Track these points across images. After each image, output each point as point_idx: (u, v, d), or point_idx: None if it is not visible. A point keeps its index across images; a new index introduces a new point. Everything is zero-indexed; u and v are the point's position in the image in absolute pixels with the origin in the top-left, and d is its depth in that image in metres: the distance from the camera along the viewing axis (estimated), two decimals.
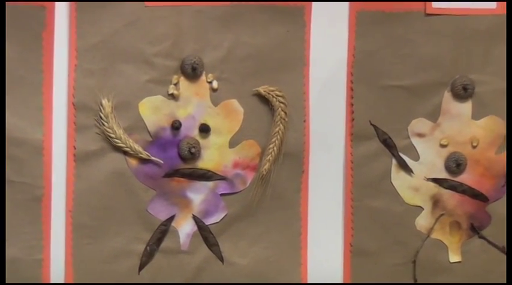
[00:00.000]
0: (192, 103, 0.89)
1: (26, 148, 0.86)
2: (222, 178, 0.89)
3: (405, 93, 0.90)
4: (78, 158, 0.87)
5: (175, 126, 0.88)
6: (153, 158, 0.88)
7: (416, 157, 0.91)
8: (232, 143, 0.90)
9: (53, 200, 0.87)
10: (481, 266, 0.92)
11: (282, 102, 0.89)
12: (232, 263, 0.90)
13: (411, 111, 0.90)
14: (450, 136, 0.91)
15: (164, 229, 0.89)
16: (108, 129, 0.87)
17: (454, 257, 0.92)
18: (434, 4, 0.89)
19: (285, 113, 0.89)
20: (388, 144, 0.90)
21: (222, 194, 0.90)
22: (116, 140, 0.87)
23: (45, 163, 0.87)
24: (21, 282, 0.87)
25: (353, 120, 0.90)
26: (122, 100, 0.87)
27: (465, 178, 0.91)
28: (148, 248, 0.88)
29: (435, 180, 0.91)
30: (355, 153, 0.90)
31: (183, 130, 0.89)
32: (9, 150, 0.85)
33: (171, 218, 0.89)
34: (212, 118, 0.89)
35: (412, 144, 0.91)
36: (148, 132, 0.88)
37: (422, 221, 0.91)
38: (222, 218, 0.90)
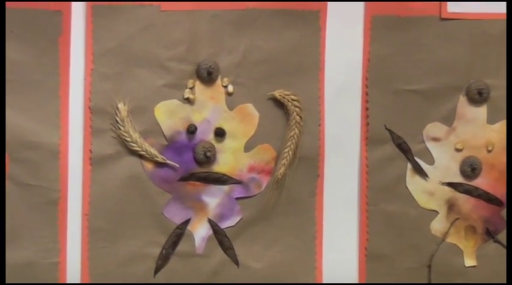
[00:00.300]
0: (208, 107, 0.89)
1: (42, 151, 0.86)
2: (237, 182, 0.90)
3: (420, 97, 0.90)
4: (94, 162, 0.88)
5: (191, 130, 0.88)
6: (168, 162, 0.88)
7: (431, 161, 0.91)
8: (248, 147, 0.90)
9: (69, 204, 0.88)
10: (496, 270, 0.91)
11: (297, 106, 0.89)
12: (248, 266, 0.90)
13: (426, 115, 0.90)
14: (465, 140, 0.91)
15: (179, 232, 0.89)
16: (124, 133, 0.87)
17: (469, 261, 0.92)
18: (450, 8, 0.89)
19: (300, 117, 0.89)
20: (403, 148, 0.90)
21: (237, 198, 0.90)
22: (131, 144, 0.87)
23: (61, 167, 0.87)
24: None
25: (368, 124, 0.90)
26: (137, 104, 0.88)
27: (480, 182, 0.91)
28: (164, 251, 0.89)
29: (450, 184, 0.91)
30: (370, 157, 0.90)
31: (199, 134, 0.89)
32: (26, 154, 0.86)
33: (187, 222, 0.89)
34: (227, 122, 0.89)
35: (427, 148, 0.91)
36: (164, 136, 0.89)
37: (438, 225, 0.91)
38: (237, 222, 0.90)
